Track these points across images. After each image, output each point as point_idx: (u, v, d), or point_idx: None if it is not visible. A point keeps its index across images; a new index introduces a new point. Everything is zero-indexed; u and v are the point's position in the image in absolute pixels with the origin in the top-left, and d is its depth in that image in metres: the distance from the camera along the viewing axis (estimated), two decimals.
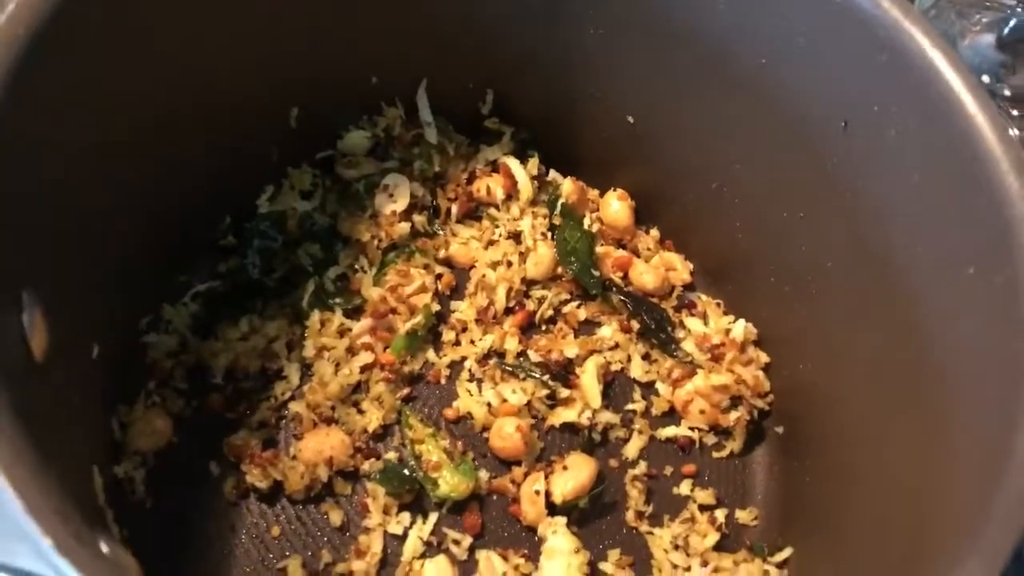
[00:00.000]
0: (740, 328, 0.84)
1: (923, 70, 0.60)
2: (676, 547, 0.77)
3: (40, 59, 0.55)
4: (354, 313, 0.82)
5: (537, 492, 0.75)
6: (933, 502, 0.55)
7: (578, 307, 0.87)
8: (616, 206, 0.89)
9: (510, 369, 0.82)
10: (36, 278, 0.55)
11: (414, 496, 0.76)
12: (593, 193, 0.92)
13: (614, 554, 0.76)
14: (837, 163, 0.69)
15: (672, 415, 0.84)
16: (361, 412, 0.79)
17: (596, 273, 0.86)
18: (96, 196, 0.66)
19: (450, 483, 0.75)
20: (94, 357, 0.68)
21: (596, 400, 0.81)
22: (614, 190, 0.90)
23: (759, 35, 0.70)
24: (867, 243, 0.68)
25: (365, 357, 0.79)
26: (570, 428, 0.81)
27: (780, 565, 0.74)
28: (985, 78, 0.97)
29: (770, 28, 0.69)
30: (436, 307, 0.84)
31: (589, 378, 0.82)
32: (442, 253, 0.88)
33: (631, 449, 0.81)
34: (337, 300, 0.82)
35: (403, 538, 0.75)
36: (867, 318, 0.70)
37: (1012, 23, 0.98)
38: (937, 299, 0.61)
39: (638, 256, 0.90)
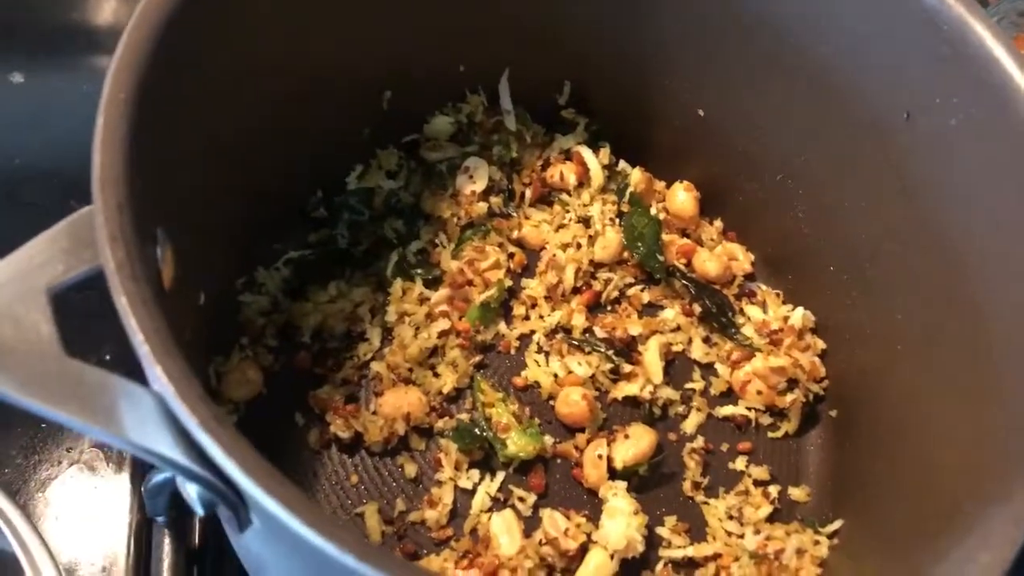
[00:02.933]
0: (798, 315, 0.88)
1: (984, 62, 0.64)
2: (730, 517, 0.81)
3: (181, 33, 0.61)
4: (433, 283, 0.88)
5: (600, 456, 0.80)
6: (976, 466, 0.58)
7: (642, 290, 0.92)
8: (682, 197, 0.94)
9: (576, 343, 0.87)
10: (168, 221, 0.61)
11: (484, 454, 0.81)
12: (660, 184, 0.97)
13: (671, 520, 0.80)
14: (900, 153, 0.73)
15: (730, 395, 0.88)
16: (437, 375, 0.84)
17: (661, 259, 0.91)
18: (216, 166, 0.72)
19: (518, 444, 0.80)
20: (201, 304, 0.74)
21: (658, 376, 0.86)
22: (681, 181, 0.95)
23: (826, 28, 0.74)
24: (926, 228, 0.72)
25: (442, 324, 0.85)
26: (632, 402, 0.86)
27: (830, 536, 0.78)
28: None
29: (837, 21, 0.73)
30: (508, 283, 0.89)
31: (652, 355, 0.86)
32: (515, 234, 0.93)
33: (689, 424, 0.85)
34: (418, 271, 0.88)
35: (472, 492, 0.79)
36: (920, 299, 0.73)
37: None
38: (989, 274, 0.64)
39: (702, 246, 0.95)
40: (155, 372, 0.45)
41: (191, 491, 0.51)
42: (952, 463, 0.64)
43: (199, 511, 0.52)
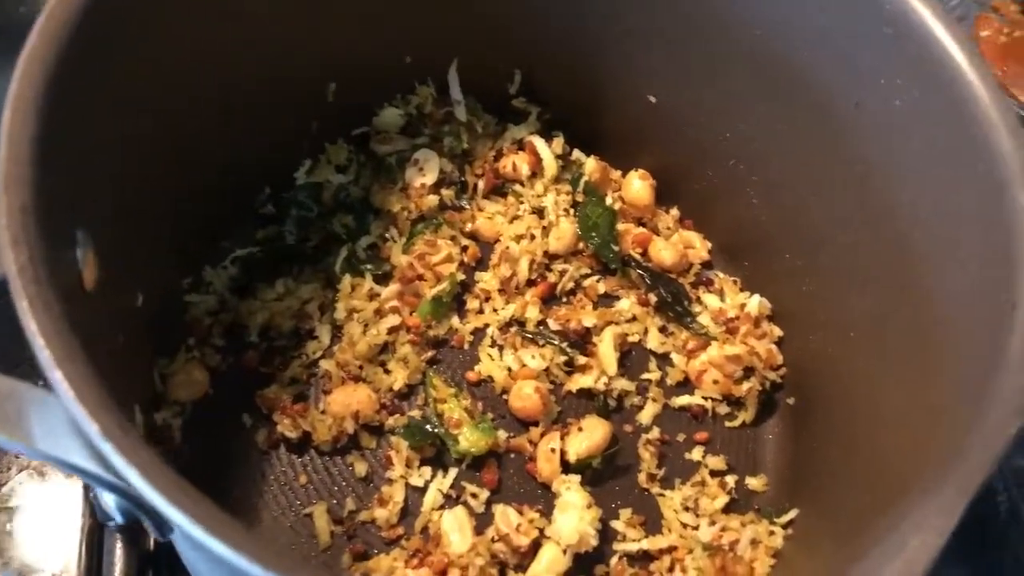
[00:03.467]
0: (755, 303, 0.87)
1: (925, 41, 0.63)
2: (686, 508, 0.80)
3: (88, 32, 0.59)
4: (383, 279, 0.86)
5: (552, 450, 0.79)
6: (922, 447, 0.57)
7: (598, 281, 0.90)
8: (637, 185, 0.93)
9: (530, 336, 0.85)
10: (90, 221, 0.60)
11: (435, 451, 0.80)
12: (616, 173, 0.95)
13: (625, 513, 0.79)
14: (848, 135, 0.72)
15: (686, 385, 0.87)
16: (387, 371, 0.83)
17: (616, 248, 0.89)
18: (149, 161, 0.70)
19: (470, 439, 0.79)
20: (139, 305, 0.72)
21: (612, 367, 0.85)
22: (636, 170, 0.94)
23: (774, 14, 0.73)
24: (875, 211, 0.71)
25: (392, 320, 0.83)
26: (586, 394, 0.84)
27: (785, 526, 0.77)
28: None
29: (785, 6, 0.72)
30: (461, 276, 0.88)
31: (606, 346, 0.85)
32: (468, 226, 0.91)
33: (645, 415, 0.84)
34: (368, 266, 0.86)
35: (424, 490, 0.78)
36: (872, 285, 0.72)
37: None
38: (936, 257, 0.64)
39: (658, 234, 0.94)
40: (55, 377, 0.43)
41: (109, 500, 0.50)
42: (901, 449, 0.63)
43: (118, 519, 0.51)
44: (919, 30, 0.63)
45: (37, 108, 0.52)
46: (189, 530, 0.40)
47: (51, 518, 0.82)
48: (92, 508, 0.80)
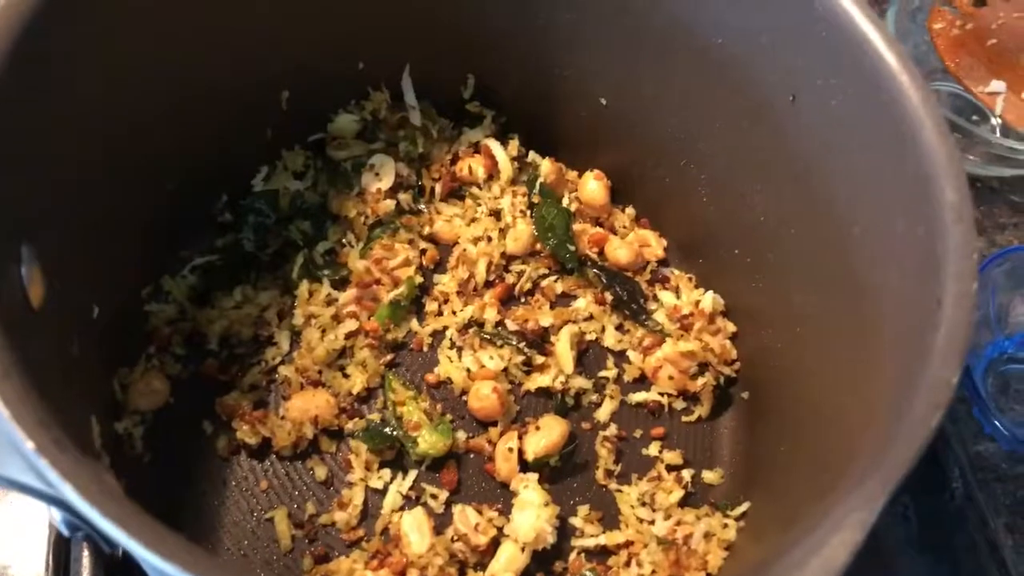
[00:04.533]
0: (708, 299, 0.88)
1: (856, 41, 0.64)
2: (642, 503, 0.81)
3: (35, 39, 0.60)
4: (341, 284, 0.87)
5: (510, 449, 0.80)
6: (856, 439, 0.58)
7: (555, 281, 0.91)
8: (593, 185, 0.94)
9: (488, 337, 0.86)
10: (35, 237, 0.60)
11: (395, 454, 0.81)
12: (572, 174, 0.96)
13: (583, 509, 0.80)
14: (788, 135, 0.73)
15: (643, 382, 0.88)
16: (346, 376, 0.84)
17: (572, 248, 0.90)
18: (97, 170, 0.71)
19: (429, 441, 0.80)
20: (94, 317, 0.73)
21: (569, 366, 0.86)
22: (591, 170, 0.95)
23: (713, 15, 0.74)
24: (816, 208, 0.72)
25: (350, 325, 0.84)
26: (545, 393, 0.86)
27: (738, 518, 0.78)
28: None
29: (722, 7, 0.73)
30: (419, 279, 0.89)
31: (563, 346, 0.86)
32: (427, 230, 0.92)
33: (602, 413, 0.86)
34: (325, 272, 0.87)
35: (383, 492, 0.79)
36: (816, 280, 0.74)
37: None
38: (873, 252, 0.65)
39: (615, 234, 0.95)
40: None
41: (55, 515, 0.51)
42: (839, 442, 0.64)
43: (64, 532, 0.51)
44: (850, 32, 0.65)
45: None
46: (124, 543, 0.41)
47: (17, 528, 0.83)
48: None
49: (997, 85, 1.12)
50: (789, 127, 0.73)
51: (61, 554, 0.81)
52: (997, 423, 0.92)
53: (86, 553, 0.80)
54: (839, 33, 0.65)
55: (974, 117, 1.15)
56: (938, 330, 0.54)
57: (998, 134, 1.12)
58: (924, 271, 0.58)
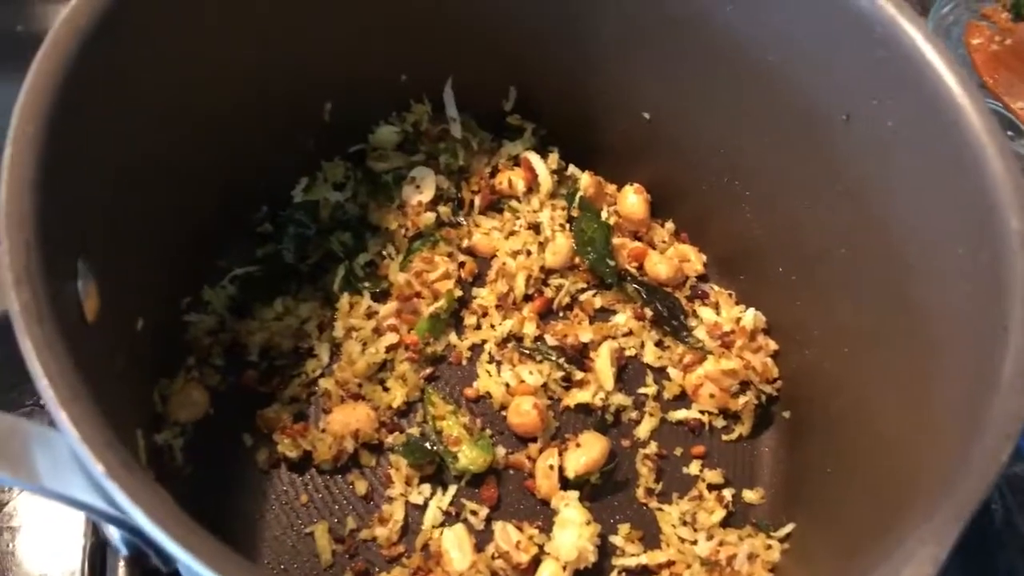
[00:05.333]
0: (750, 316, 0.88)
1: (917, 64, 0.64)
2: (684, 523, 0.80)
3: (89, 60, 0.60)
4: (381, 297, 0.87)
5: (551, 467, 0.79)
6: (918, 466, 0.58)
7: (594, 295, 0.91)
8: (632, 199, 0.94)
9: (527, 352, 0.86)
10: (90, 251, 0.60)
11: (435, 469, 0.80)
12: (611, 187, 0.96)
13: (624, 528, 0.80)
14: (840, 153, 0.73)
15: (683, 399, 0.87)
16: (386, 389, 0.83)
17: (612, 263, 0.90)
18: (146, 183, 0.71)
19: (469, 457, 0.79)
20: (139, 329, 0.73)
21: (609, 383, 0.85)
22: (631, 184, 0.94)
23: (766, 33, 0.74)
24: (868, 228, 0.72)
25: (391, 338, 0.84)
26: (584, 409, 0.85)
27: (782, 540, 0.77)
28: None
29: (776, 26, 0.73)
30: (459, 293, 0.88)
31: (603, 362, 0.86)
32: (465, 243, 0.92)
33: (643, 430, 0.85)
34: (366, 284, 0.87)
35: (424, 508, 0.79)
36: (866, 299, 0.73)
37: None
38: (930, 275, 0.64)
39: (654, 248, 0.94)
40: (60, 417, 0.44)
41: (113, 533, 0.50)
42: (896, 468, 0.63)
43: (123, 551, 0.51)
44: (910, 53, 0.64)
45: (37, 143, 0.52)
46: (195, 567, 0.41)
47: (54, 537, 0.83)
48: (95, 527, 0.81)
49: None
50: (842, 146, 0.72)
51: (97, 563, 0.81)
52: None
53: (122, 564, 0.80)
54: (899, 54, 0.65)
55: (1009, 133, 1.14)
56: (1005, 356, 0.53)
57: None
58: (987, 296, 0.57)
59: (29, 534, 0.82)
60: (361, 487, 0.79)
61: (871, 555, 0.52)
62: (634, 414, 0.86)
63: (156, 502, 0.42)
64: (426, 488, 0.80)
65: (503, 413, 0.84)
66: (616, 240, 0.92)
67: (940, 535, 0.46)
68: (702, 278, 0.94)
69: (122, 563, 0.80)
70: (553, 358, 0.85)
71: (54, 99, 0.55)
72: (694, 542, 0.79)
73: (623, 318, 0.89)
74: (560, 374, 0.85)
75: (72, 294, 0.56)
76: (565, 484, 0.80)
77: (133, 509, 0.42)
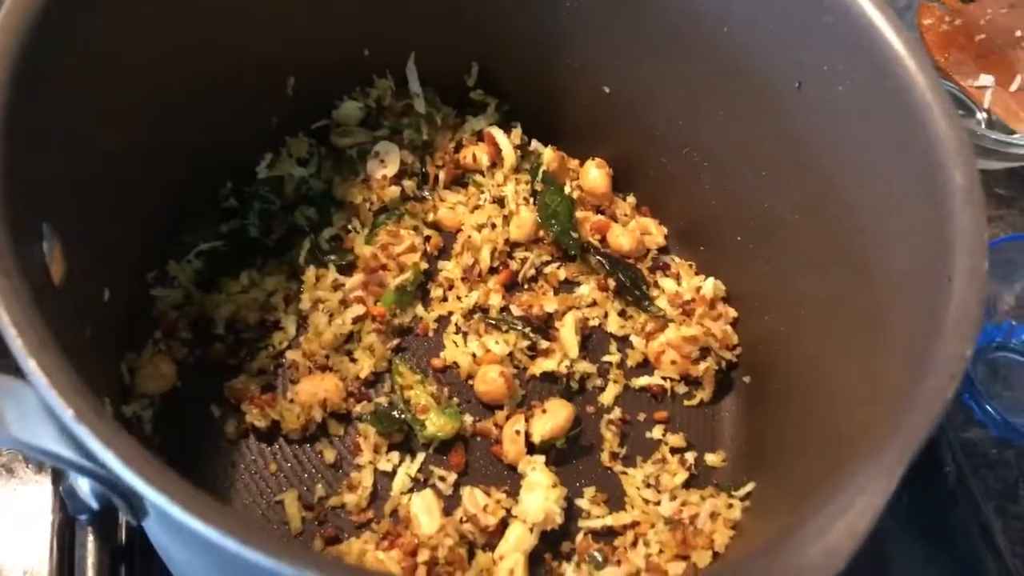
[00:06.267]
0: (709, 285, 0.90)
1: (864, 29, 0.66)
2: (648, 485, 0.82)
3: (49, 28, 0.60)
4: (347, 269, 0.88)
5: (517, 432, 0.81)
6: (868, 417, 0.60)
7: (558, 267, 0.92)
8: (595, 174, 0.95)
9: (493, 322, 0.87)
10: (55, 215, 0.60)
11: (403, 437, 0.81)
12: (573, 162, 0.98)
13: (589, 491, 0.81)
14: (794, 121, 0.75)
15: (646, 366, 0.89)
16: (353, 360, 0.84)
17: (575, 236, 0.91)
18: (110, 155, 0.71)
19: (436, 424, 0.81)
20: (105, 300, 0.73)
21: (574, 351, 0.87)
22: (593, 159, 0.96)
23: (720, 5, 0.76)
24: (821, 193, 0.74)
25: (357, 309, 0.85)
26: (550, 377, 0.87)
27: (743, 499, 0.79)
28: None
29: None
30: (424, 266, 0.89)
31: (567, 331, 0.87)
32: (431, 217, 0.93)
33: (607, 396, 0.87)
34: (331, 257, 0.88)
35: (392, 475, 0.80)
36: (821, 264, 0.75)
37: None
38: (880, 236, 0.66)
39: (616, 221, 0.96)
40: (29, 366, 0.44)
41: (83, 486, 0.51)
42: (849, 421, 0.66)
43: (93, 505, 0.52)
44: (858, 19, 0.66)
45: (2, 104, 0.53)
46: (168, 509, 0.42)
47: (20, 515, 0.82)
48: (62, 503, 0.81)
49: (985, 79, 1.14)
50: (795, 114, 0.74)
51: (65, 540, 0.81)
52: (989, 408, 0.94)
53: (91, 539, 0.80)
54: (847, 20, 0.67)
55: (960, 112, 1.17)
56: (949, 305, 0.55)
57: (984, 127, 1.15)
58: (933, 252, 0.59)
59: None
60: (330, 455, 0.80)
61: (825, 493, 0.53)
62: (598, 381, 0.87)
63: (126, 445, 0.43)
64: (394, 455, 0.81)
65: (470, 383, 0.85)
66: (579, 214, 0.94)
67: (888, 469, 0.48)
68: (663, 250, 0.96)
69: (91, 538, 0.80)
70: (519, 328, 0.87)
71: (16, 63, 0.55)
72: (657, 503, 0.80)
73: (587, 289, 0.91)
74: (526, 343, 0.86)
75: (38, 256, 0.56)
76: (531, 449, 0.81)
77: (104, 452, 0.43)
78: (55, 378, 0.44)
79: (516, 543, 0.76)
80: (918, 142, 0.62)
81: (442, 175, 0.94)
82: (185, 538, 0.52)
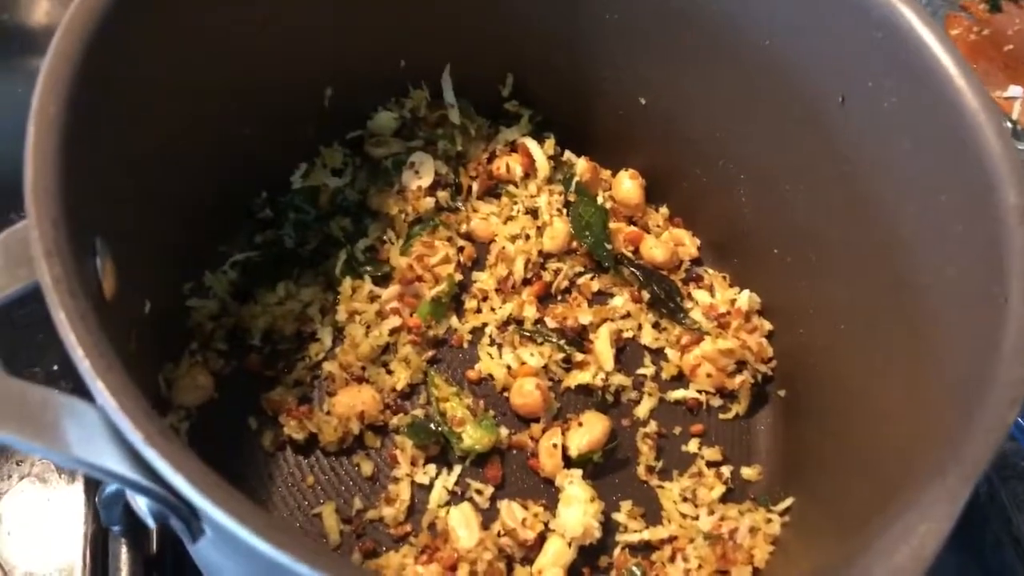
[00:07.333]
0: (745, 298, 0.90)
1: (914, 44, 0.66)
2: (684, 499, 0.82)
3: (103, 50, 0.59)
4: (383, 281, 0.88)
5: (555, 445, 0.81)
6: (917, 441, 0.60)
7: (592, 279, 0.92)
8: (628, 184, 0.95)
9: (528, 334, 0.87)
10: (105, 230, 0.60)
11: (439, 449, 0.81)
12: (606, 173, 0.97)
13: (626, 505, 0.81)
14: (836, 135, 0.75)
15: (681, 379, 0.89)
16: (390, 372, 0.84)
17: (609, 247, 0.91)
18: (151, 169, 0.71)
19: (473, 437, 0.80)
20: (146, 312, 0.73)
21: (609, 363, 0.87)
22: (626, 170, 0.96)
23: (762, 15, 0.75)
24: (863, 208, 0.73)
25: (393, 321, 0.85)
26: (584, 390, 0.86)
27: (782, 514, 0.79)
28: None
29: (773, 9, 0.75)
30: (459, 277, 0.89)
31: (602, 343, 0.87)
32: (464, 228, 0.93)
33: (642, 410, 0.86)
34: (367, 268, 0.88)
35: (429, 487, 0.80)
36: (861, 278, 0.75)
37: None
38: (926, 253, 0.66)
39: (649, 233, 0.96)
40: (97, 387, 0.44)
41: (141, 504, 0.51)
42: (897, 441, 0.65)
43: (150, 523, 0.51)
44: (907, 35, 0.66)
45: (59, 124, 0.53)
46: (237, 532, 0.42)
47: (54, 525, 0.82)
48: (95, 514, 0.81)
49: (1015, 90, 1.14)
50: (837, 128, 0.74)
51: (98, 550, 0.81)
52: (1019, 419, 0.94)
53: (124, 549, 0.80)
54: (895, 35, 0.66)
55: None
56: (1006, 327, 0.55)
57: (1012, 138, 1.15)
58: (985, 271, 0.59)
59: (29, 523, 0.82)
60: (367, 468, 0.80)
61: (880, 520, 0.53)
62: (633, 394, 0.87)
63: (196, 469, 0.43)
64: (431, 468, 0.80)
65: (505, 395, 0.85)
66: (612, 225, 0.93)
67: (951, 493, 0.48)
68: (696, 261, 0.95)
69: (124, 549, 0.80)
70: (553, 340, 0.87)
71: (71, 82, 0.55)
72: (696, 517, 0.80)
73: (621, 301, 0.91)
74: (560, 356, 0.86)
75: (92, 272, 0.56)
76: (568, 463, 0.81)
77: (174, 476, 0.42)
78: (123, 401, 0.44)
79: (555, 557, 0.76)
80: (968, 160, 0.62)
81: (475, 186, 0.94)
82: (242, 558, 0.52)
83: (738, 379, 0.86)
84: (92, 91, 0.57)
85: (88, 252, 0.56)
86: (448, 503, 0.79)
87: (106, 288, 0.58)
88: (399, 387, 0.83)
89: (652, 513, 0.82)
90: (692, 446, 0.85)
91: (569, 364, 0.87)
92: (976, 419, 0.52)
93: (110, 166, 0.62)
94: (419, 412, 0.82)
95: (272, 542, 0.41)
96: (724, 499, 0.82)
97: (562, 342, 0.87)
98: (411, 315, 0.86)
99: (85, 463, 0.47)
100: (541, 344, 0.87)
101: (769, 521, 0.78)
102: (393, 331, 0.85)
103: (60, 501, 0.84)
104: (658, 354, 0.90)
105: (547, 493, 0.81)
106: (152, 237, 0.74)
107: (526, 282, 0.91)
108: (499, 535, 0.77)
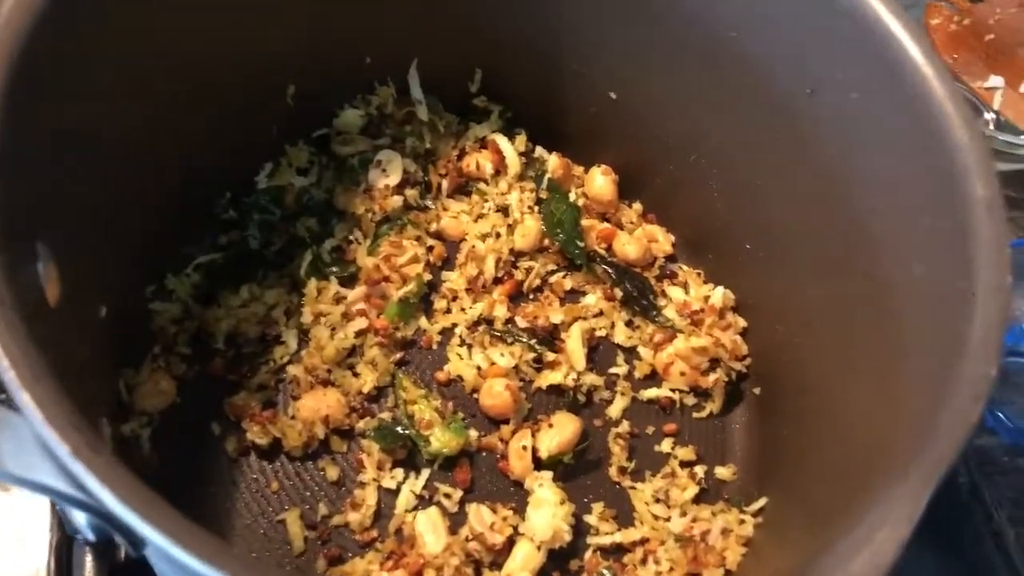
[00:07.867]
0: (719, 294, 0.88)
1: (881, 35, 0.64)
2: (657, 500, 0.80)
3: (43, 41, 0.58)
4: (349, 282, 0.86)
5: (524, 447, 0.79)
6: (887, 436, 0.58)
7: (564, 277, 0.91)
8: (600, 181, 0.93)
9: (498, 334, 0.86)
10: (49, 234, 0.59)
11: (407, 453, 0.80)
12: (578, 169, 0.96)
13: (598, 507, 0.79)
14: (805, 128, 0.73)
15: (654, 378, 0.87)
16: (356, 375, 0.82)
17: (581, 244, 0.90)
18: (104, 167, 0.69)
19: (441, 440, 0.79)
20: (102, 317, 0.71)
21: (580, 363, 0.85)
22: (598, 166, 0.94)
23: (730, 10, 0.74)
24: (832, 202, 0.72)
25: (360, 323, 0.83)
26: (556, 390, 0.85)
27: (755, 514, 0.78)
28: None
29: (740, 2, 0.73)
30: (428, 277, 0.87)
31: (574, 342, 0.86)
32: (433, 226, 0.91)
33: (614, 409, 0.85)
34: (333, 269, 0.86)
35: (396, 492, 0.78)
36: (832, 274, 0.74)
37: None
38: (896, 247, 0.65)
39: (622, 229, 0.94)
40: (23, 399, 0.43)
41: (79, 518, 0.49)
42: (865, 438, 0.64)
43: (90, 537, 0.50)
44: (874, 25, 0.64)
45: None
46: (166, 548, 0.40)
47: (18, 533, 0.81)
48: (60, 522, 0.79)
49: (995, 80, 1.12)
50: (806, 121, 0.72)
51: (64, 559, 0.79)
52: (1000, 415, 0.93)
53: (89, 558, 0.79)
54: (862, 26, 0.65)
55: None
56: (972, 322, 0.54)
57: (993, 129, 1.13)
58: (952, 264, 0.58)
59: None
60: (332, 473, 0.79)
61: (845, 521, 0.52)
62: (606, 394, 0.86)
63: (124, 482, 0.42)
64: (399, 472, 0.79)
65: (474, 396, 0.84)
66: (584, 222, 0.92)
67: (913, 496, 0.47)
68: (671, 258, 0.94)
69: (89, 558, 0.78)
70: (524, 340, 0.85)
71: (10, 75, 0.54)
72: (667, 519, 0.79)
73: (593, 299, 0.89)
74: (531, 356, 0.85)
75: (33, 277, 0.55)
76: (538, 465, 0.79)
77: (100, 490, 0.41)
78: (50, 412, 0.42)
79: (523, 562, 0.74)
80: (936, 151, 0.61)
81: (445, 184, 0.93)
82: (179, 569, 0.50)
83: (712, 377, 0.85)
84: (29, 92, 0.56)
85: (27, 257, 0.54)
86: (416, 508, 0.78)
87: (49, 294, 0.56)
88: (366, 390, 0.81)
89: (624, 515, 0.80)
90: (665, 446, 0.84)
91: (540, 364, 0.85)
92: (940, 416, 0.51)
93: (57, 166, 0.61)
94: (386, 415, 0.81)
95: (200, 556, 0.40)
96: (698, 500, 0.81)
97: (533, 342, 0.85)
98: (378, 316, 0.84)
99: (16, 478, 0.45)
100: (512, 344, 0.85)
101: (742, 522, 0.77)
102: (359, 333, 0.83)
103: (25, 509, 0.82)
104: (631, 353, 0.88)
105: (518, 496, 0.80)
106: (108, 240, 0.72)
107: (497, 281, 0.90)
108: (467, 540, 0.75)
